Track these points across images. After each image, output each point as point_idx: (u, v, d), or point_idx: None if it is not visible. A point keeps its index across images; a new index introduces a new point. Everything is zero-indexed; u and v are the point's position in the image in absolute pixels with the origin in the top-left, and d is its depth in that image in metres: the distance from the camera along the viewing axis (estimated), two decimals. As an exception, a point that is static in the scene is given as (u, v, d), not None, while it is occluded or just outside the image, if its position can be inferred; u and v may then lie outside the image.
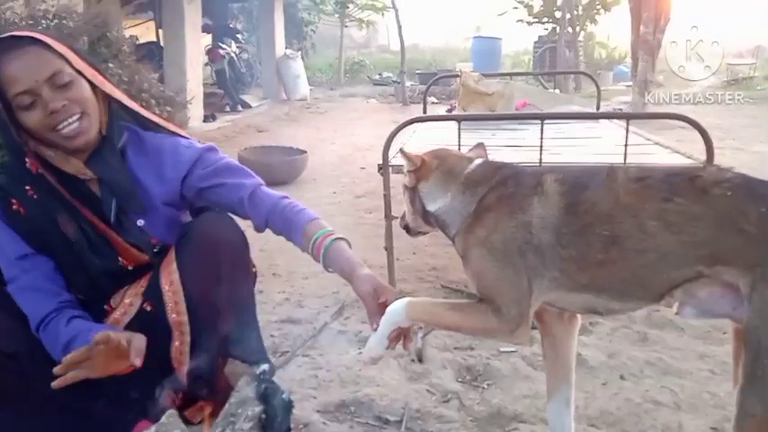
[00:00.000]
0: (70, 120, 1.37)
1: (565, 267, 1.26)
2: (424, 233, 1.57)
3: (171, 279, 1.49)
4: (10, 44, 1.35)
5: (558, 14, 12.17)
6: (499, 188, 1.35)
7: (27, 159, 1.42)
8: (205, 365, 1.62)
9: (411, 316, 1.32)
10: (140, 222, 1.52)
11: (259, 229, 1.55)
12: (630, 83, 9.26)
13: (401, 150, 1.51)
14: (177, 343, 1.54)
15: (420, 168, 1.45)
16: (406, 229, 1.58)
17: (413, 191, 1.48)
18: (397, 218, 2.26)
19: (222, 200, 1.56)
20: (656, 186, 1.23)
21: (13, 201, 1.38)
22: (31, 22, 3.02)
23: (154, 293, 1.51)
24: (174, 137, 1.61)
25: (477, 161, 1.45)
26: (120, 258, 1.52)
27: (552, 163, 2.63)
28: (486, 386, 1.99)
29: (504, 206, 1.32)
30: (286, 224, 1.50)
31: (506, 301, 1.27)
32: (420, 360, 2.13)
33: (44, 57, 1.36)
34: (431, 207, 1.44)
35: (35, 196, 1.40)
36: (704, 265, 1.17)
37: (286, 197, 1.56)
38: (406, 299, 1.34)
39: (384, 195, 2.63)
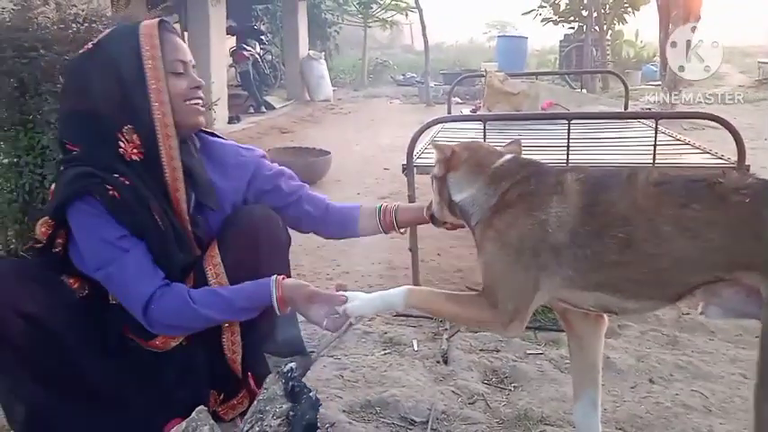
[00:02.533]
0: (201, 101, 1.54)
1: (579, 267, 1.26)
2: (449, 224, 1.59)
3: (217, 272, 1.52)
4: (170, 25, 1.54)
5: (584, 13, 12.02)
6: (521, 184, 1.37)
7: (121, 144, 1.43)
8: (260, 355, 1.65)
9: (410, 303, 1.40)
10: (200, 218, 1.55)
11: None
12: (659, 82, 9.10)
13: (432, 142, 1.54)
14: (228, 334, 1.56)
15: (450, 159, 1.48)
16: (432, 218, 1.61)
17: (442, 180, 1.50)
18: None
19: (282, 201, 1.69)
20: (675, 192, 1.23)
21: (109, 186, 1.39)
22: (62, 26, 3.07)
23: (201, 285, 1.51)
24: (228, 141, 1.73)
25: (507, 156, 1.47)
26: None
27: (579, 163, 2.61)
28: (512, 388, 1.98)
29: (523, 203, 1.33)
30: (341, 218, 1.73)
31: (505, 296, 1.30)
32: (445, 362, 2.13)
33: None
34: (456, 197, 1.46)
35: (126, 182, 1.41)
36: (722, 271, 1.17)
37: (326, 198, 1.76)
38: (407, 286, 1.42)
39: (408, 196, 2.64)
